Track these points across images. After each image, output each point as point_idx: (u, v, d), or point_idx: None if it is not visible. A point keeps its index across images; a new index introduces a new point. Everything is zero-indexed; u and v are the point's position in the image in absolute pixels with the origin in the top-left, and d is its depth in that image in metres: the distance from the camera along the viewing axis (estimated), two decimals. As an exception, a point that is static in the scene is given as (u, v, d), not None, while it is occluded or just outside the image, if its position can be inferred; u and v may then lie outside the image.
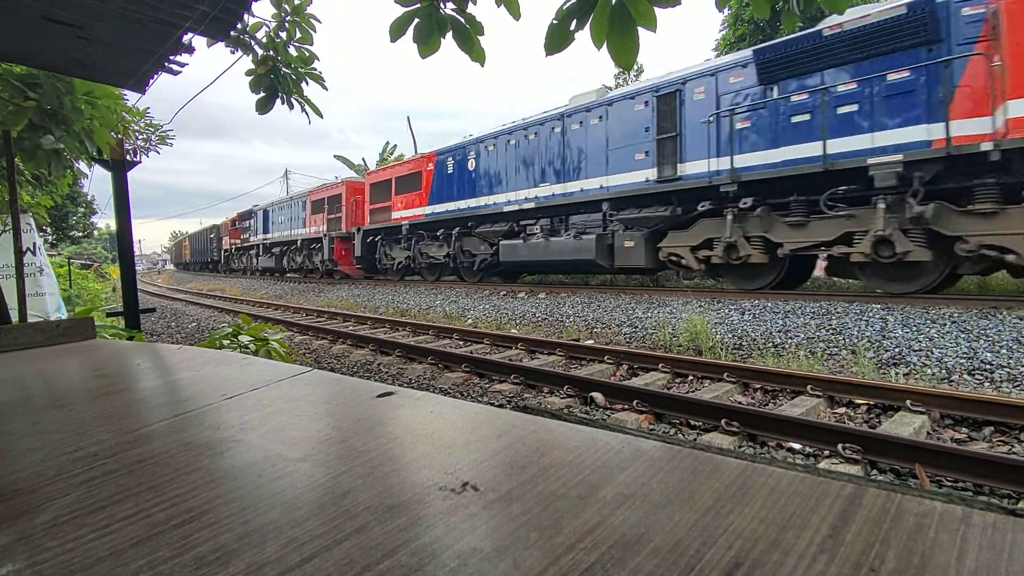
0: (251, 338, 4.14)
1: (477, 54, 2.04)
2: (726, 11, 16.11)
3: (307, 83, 3.51)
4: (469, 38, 2.01)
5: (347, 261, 18.84)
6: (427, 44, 1.97)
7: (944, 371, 4.68)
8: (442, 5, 1.98)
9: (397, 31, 1.97)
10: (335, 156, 32.70)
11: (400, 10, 1.95)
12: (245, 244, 28.84)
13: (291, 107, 3.48)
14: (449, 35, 2.01)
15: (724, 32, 16.56)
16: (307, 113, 3.54)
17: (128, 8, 2.29)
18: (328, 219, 19.80)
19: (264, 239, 25.79)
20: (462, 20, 2.00)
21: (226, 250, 32.17)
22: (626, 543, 0.58)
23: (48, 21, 2.36)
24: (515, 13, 1.91)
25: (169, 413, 1.18)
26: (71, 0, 2.21)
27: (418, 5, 1.94)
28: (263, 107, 3.42)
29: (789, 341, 5.89)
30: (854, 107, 7.08)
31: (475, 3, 2.03)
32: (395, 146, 30.65)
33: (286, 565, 0.57)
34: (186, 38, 2.73)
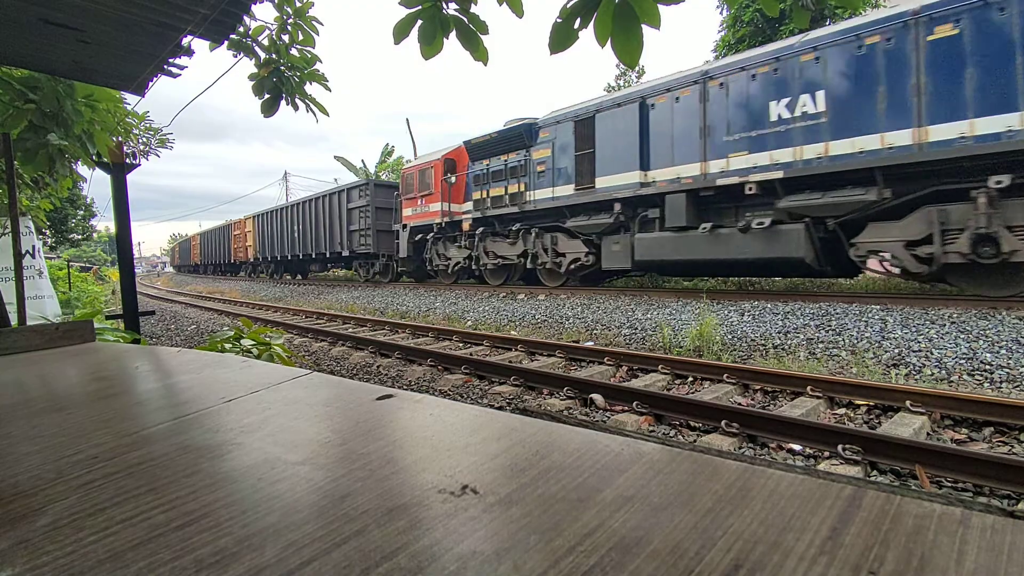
0: (253, 342, 4.14)
1: (480, 53, 2.04)
2: (724, 12, 16.15)
3: (311, 84, 3.52)
4: (473, 37, 2.01)
5: None
6: (431, 45, 1.97)
7: (944, 372, 4.68)
8: (445, 5, 1.98)
9: (401, 33, 1.97)
10: (335, 157, 31.26)
11: (404, 12, 1.95)
12: (500, 211, 12.05)
13: (296, 108, 3.49)
14: (452, 35, 2.01)
15: (723, 33, 16.58)
16: (314, 113, 3.55)
17: (128, 12, 2.30)
18: None
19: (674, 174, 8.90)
20: (465, 20, 2.00)
21: (424, 228, 14.48)
22: (626, 546, 0.58)
23: (49, 24, 2.37)
24: (518, 11, 1.91)
25: (168, 416, 1.18)
26: (72, 4, 2.21)
27: (420, 7, 1.94)
28: (268, 109, 3.42)
29: (789, 342, 5.89)
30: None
31: (476, 3, 2.03)
32: (393, 147, 30.62)
33: (286, 568, 0.57)
34: (185, 41, 2.74)
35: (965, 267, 6.40)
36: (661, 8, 1.53)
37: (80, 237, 26.31)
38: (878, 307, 6.52)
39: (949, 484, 2.84)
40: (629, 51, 1.56)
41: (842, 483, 0.70)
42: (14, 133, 3.11)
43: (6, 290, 5.41)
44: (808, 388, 4.25)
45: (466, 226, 13.13)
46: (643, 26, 1.53)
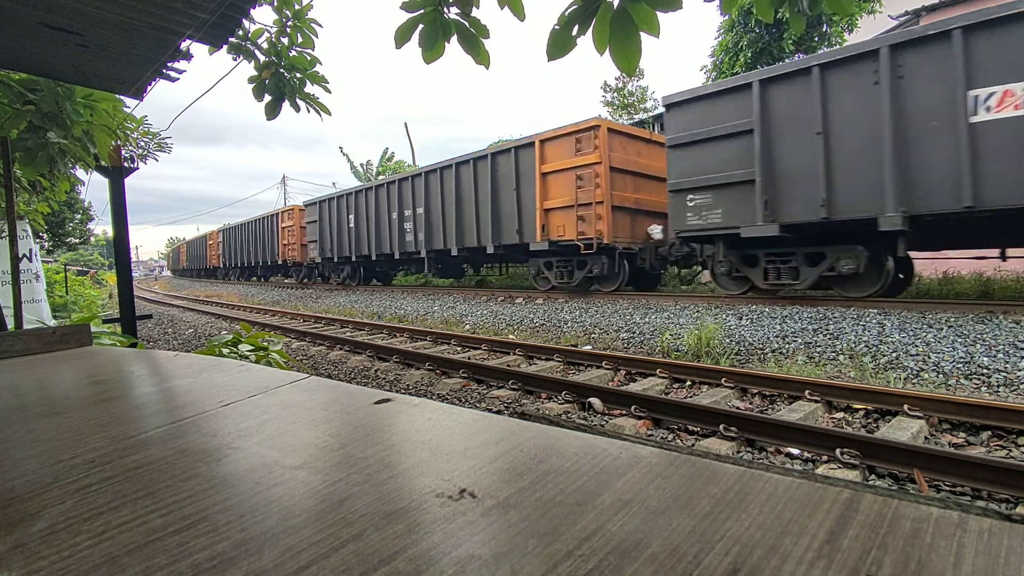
0: (251, 347, 4.12)
1: (482, 57, 2.03)
2: (722, 17, 16.22)
3: (311, 85, 3.53)
4: (474, 41, 2.01)
5: None
6: (432, 49, 1.97)
7: (941, 376, 4.69)
8: (446, 10, 1.98)
9: (403, 37, 1.97)
10: (340, 149, 30.97)
11: (405, 16, 1.95)
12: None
13: (297, 109, 3.50)
14: (454, 39, 2.01)
15: (720, 38, 16.66)
16: (318, 112, 3.56)
17: (127, 16, 2.30)
18: None
19: None
20: (467, 24, 2.01)
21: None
22: (624, 549, 0.58)
23: (48, 28, 2.37)
24: (519, 14, 1.91)
25: (166, 420, 1.18)
26: (71, 8, 2.22)
27: (422, 11, 1.95)
28: (271, 112, 3.43)
29: (787, 346, 5.89)
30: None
31: (478, 7, 2.03)
32: (393, 153, 30.64)
33: (283, 572, 0.57)
34: (184, 45, 2.74)
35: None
36: (659, 14, 1.53)
37: (78, 241, 26.22)
38: (875, 311, 6.54)
39: (947, 488, 2.84)
40: (627, 58, 1.56)
41: (840, 487, 0.70)
42: (13, 133, 3.11)
43: (3, 294, 5.39)
44: (806, 392, 4.25)
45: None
46: (641, 34, 1.54)
